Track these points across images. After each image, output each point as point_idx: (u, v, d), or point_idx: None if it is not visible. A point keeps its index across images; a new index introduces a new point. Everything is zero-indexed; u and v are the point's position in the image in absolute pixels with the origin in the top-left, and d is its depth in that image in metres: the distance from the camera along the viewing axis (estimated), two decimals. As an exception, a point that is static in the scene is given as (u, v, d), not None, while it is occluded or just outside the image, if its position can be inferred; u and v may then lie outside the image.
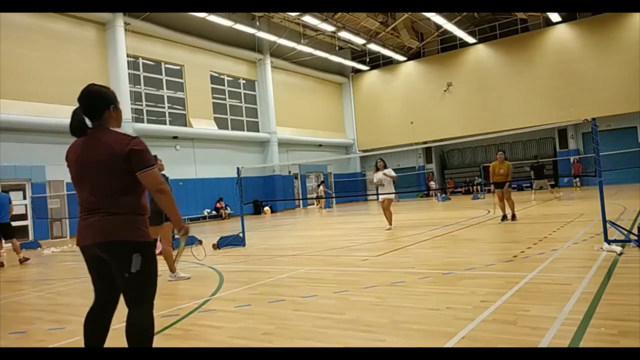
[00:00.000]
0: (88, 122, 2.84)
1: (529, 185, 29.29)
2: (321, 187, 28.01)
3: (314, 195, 27.54)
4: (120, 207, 2.74)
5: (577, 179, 26.33)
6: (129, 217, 2.76)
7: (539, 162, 20.93)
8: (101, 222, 2.73)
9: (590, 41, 27.07)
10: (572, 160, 28.01)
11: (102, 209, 2.74)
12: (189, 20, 23.48)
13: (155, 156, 6.92)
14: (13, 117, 17.17)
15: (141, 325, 2.79)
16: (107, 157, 2.72)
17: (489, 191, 25.70)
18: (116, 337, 4.03)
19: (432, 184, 31.94)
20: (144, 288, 2.81)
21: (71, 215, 18.74)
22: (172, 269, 6.71)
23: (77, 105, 2.84)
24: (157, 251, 10.32)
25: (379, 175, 11.57)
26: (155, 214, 6.88)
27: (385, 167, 11.59)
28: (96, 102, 2.82)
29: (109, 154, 2.72)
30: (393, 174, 11.56)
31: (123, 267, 2.74)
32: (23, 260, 10.92)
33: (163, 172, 6.91)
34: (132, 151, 2.72)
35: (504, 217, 11.22)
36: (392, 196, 12.01)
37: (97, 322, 2.95)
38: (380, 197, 11.71)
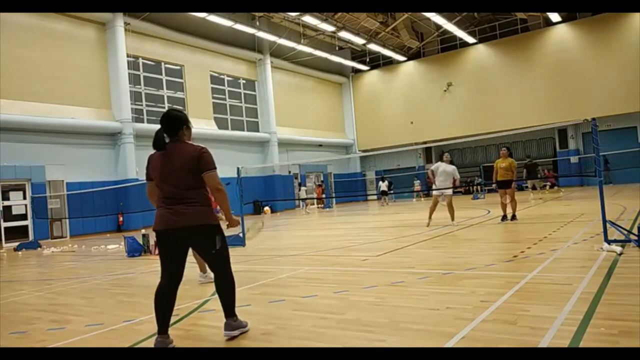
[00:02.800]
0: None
1: (527, 185, 29.39)
2: (302, 189, 28.02)
3: (314, 195, 27.53)
4: (197, 199, 3.57)
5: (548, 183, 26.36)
6: (205, 208, 3.60)
7: (532, 161, 21.02)
8: (185, 210, 3.51)
9: (590, 41, 27.07)
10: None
11: (184, 200, 3.54)
12: (189, 20, 23.48)
13: None
14: (13, 117, 17.17)
15: (227, 286, 3.74)
16: (187, 161, 3.55)
17: (489, 191, 25.69)
18: (117, 337, 4.04)
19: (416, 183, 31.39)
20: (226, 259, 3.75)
21: (71, 215, 18.75)
22: (203, 269, 6.43)
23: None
24: (157, 251, 10.27)
25: (447, 168, 11.27)
26: None
27: (451, 162, 11.39)
28: (174, 124, 3.66)
29: (188, 159, 3.55)
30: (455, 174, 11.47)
31: (208, 246, 3.63)
32: None
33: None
34: (201, 154, 3.60)
35: (504, 217, 11.21)
36: (450, 191, 11.54)
37: (165, 297, 3.59)
38: (439, 192, 11.33)
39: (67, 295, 6.33)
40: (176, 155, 3.58)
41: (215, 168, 3.65)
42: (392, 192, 27.91)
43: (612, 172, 25.38)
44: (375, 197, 31.77)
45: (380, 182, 26.59)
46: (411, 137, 31.72)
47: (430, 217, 11.54)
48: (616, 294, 4.13)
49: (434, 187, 11.50)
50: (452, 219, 11.24)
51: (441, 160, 11.60)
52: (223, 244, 3.67)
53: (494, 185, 11.88)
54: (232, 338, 3.67)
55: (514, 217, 11.08)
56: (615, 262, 5.36)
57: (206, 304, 5.04)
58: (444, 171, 11.26)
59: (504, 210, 11.27)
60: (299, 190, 27.99)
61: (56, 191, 18.65)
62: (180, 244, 3.62)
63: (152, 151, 3.67)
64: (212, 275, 6.45)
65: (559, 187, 26.80)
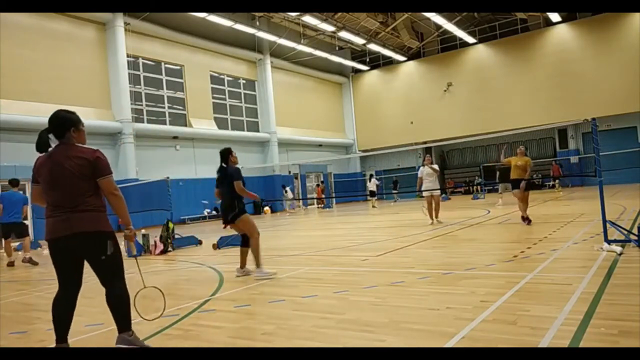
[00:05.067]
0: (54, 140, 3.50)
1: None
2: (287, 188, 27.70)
3: (314, 196, 27.50)
4: (89, 205, 3.38)
5: (556, 181, 26.36)
6: (97, 214, 3.41)
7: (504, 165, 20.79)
8: (76, 216, 3.32)
9: (590, 41, 27.08)
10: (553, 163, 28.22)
11: (75, 206, 3.33)
12: (189, 20, 23.48)
13: (229, 148, 6.75)
14: (13, 117, 17.17)
15: (121, 296, 3.43)
16: (79, 166, 3.36)
17: (488, 191, 25.69)
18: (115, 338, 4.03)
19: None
20: (118, 267, 3.48)
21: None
22: (259, 264, 6.29)
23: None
24: (157, 251, 10.27)
25: (429, 170, 12.00)
26: (226, 210, 6.43)
27: (432, 162, 12.24)
28: (60, 126, 3.48)
29: (80, 163, 3.37)
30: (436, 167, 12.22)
31: (98, 252, 3.37)
32: (27, 261, 10.34)
33: (237, 166, 6.69)
34: (96, 160, 3.43)
35: (527, 220, 10.07)
36: (437, 192, 12.40)
37: (63, 307, 3.50)
38: (429, 192, 12.03)
39: (67, 295, 6.32)
40: (65, 159, 3.36)
41: (111, 173, 3.50)
42: (398, 192, 27.91)
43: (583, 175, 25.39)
44: (375, 197, 31.75)
45: (368, 182, 25.90)
46: (411, 137, 31.72)
47: (431, 217, 11.97)
48: (616, 294, 4.13)
49: (423, 188, 12.09)
50: (437, 216, 11.91)
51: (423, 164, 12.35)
52: (115, 251, 3.43)
53: (506, 185, 11.74)
54: None
55: (523, 219, 10.18)
56: (615, 262, 5.36)
57: (206, 303, 5.03)
58: (427, 173, 11.99)
59: (524, 211, 10.19)
60: (285, 192, 27.11)
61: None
62: (73, 252, 3.40)
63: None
64: (266, 271, 6.18)
65: (560, 187, 26.80)
